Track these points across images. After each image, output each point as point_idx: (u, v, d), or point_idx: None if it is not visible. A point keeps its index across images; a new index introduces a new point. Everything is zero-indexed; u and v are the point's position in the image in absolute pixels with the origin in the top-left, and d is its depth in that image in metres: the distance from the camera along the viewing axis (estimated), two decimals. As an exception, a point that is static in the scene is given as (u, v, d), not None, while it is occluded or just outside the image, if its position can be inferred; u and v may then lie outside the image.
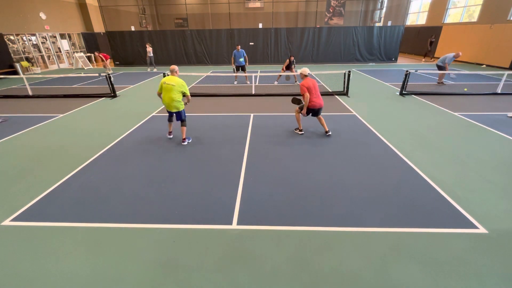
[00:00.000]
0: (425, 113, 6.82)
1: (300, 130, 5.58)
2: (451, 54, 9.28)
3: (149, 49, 14.34)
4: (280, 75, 10.99)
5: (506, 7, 13.43)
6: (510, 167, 4.13)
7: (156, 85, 10.95)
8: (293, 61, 10.53)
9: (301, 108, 5.34)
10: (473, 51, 15.35)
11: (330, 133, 5.43)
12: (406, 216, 3.10)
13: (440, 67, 9.63)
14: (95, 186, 3.78)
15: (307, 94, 5.02)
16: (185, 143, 5.14)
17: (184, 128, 5.16)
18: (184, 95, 4.94)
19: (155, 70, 15.04)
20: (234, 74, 10.86)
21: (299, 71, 5.15)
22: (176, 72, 4.93)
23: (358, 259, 2.54)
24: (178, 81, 4.80)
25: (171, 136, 5.45)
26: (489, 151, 4.69)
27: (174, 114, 5.09)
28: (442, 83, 10.20)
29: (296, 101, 5.52)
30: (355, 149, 4.84)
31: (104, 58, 14.37)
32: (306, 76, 5.19)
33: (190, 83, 11.21)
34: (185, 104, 5.07)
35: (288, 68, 10.56)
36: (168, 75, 5.46)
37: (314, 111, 5.30)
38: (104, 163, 4.47)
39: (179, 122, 5.17)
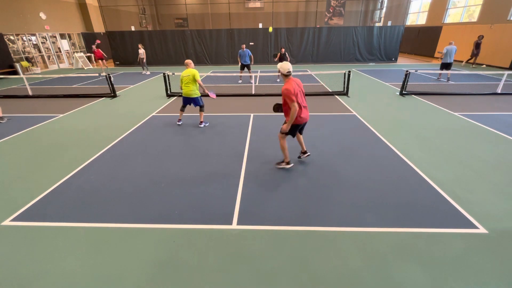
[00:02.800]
0: (425, 113, 6.82)
1: (287, 163, 4.08)
2: (451, 47, 10.04)
3: (141, 50, 13.17)
4: (279, 74, 11.18)
5: (506, 7, 13.43)
6: (510, 167, 4.13)
7: (156, 85, 10.96)
8: (285, 53, 10.67)
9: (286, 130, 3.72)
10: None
11: (309, 153, 4.34)
12: (406, 216, 3.10)
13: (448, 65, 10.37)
14: (95, 186, 3.78)
15: (295, 105, 3.43)
16: (202, 125, 5.96)
17: (202, 113, 6.00)
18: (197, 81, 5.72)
19: (148, 72, 13.93)
20: (239, 74, 11.17)
21: (278, 66, 3.56)
22: (188, 65, 5.77)
23: (358, 259, 2.54)
24: (192, 71, 5.63)
25: (180, 123, 6.17)
26: (489, 151, 4.69)
27: (192, 103, 5.85)
28: (448, 80, 10.84)
29: (278, 108, 3.98)
30: (355, 149, 4.84)
31: (95, 56, 13.32)
32: (287, 75, 3.54)
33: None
34: (204, 91, 5.81)
35: (282, 61, 10.59)
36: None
37: (299, 128, 3.90)
38: (104, 163, 4.47)
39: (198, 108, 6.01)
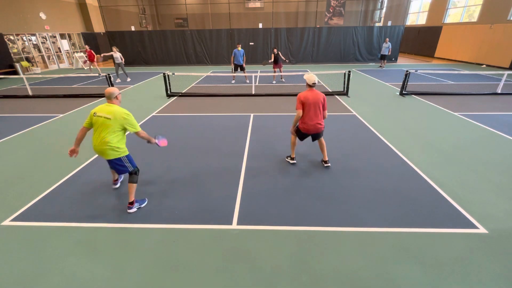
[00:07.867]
0: (425, 113, 6.82)
1: (292, 158, 4.32)
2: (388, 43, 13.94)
3: (116, 54, 11.06)
4: (275, 75, 11.13)
5: (506, 7, 13.43)
6: (510, 167, 4.13)
7: (156, 85, 10.93)
8: (278, 53, 10.55)
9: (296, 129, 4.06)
10: (473, 51, 15.35)
11: (329, 164, 4.20)
12: (406, 216, 3.10)
13: (384, 56, 14.45)
14: (95, 186, 3.78)
15: (298, 112, 3.82)
16: (133, 209, 3.21)
17: (132, 186, 3.17)
18: (133, 131, 3.02)
19: (128, 79, 11.91)
20: (232, 74, 11.13)
21: (305, 76, 3.84)
22: (115, 98, 3.02)
23: (358, 259, 2.54)
24: (116, 111, 2.93)
25: (117, 186, 3.73)
26: (489, 151, 4.69)
27: (112, 167, 3.25)
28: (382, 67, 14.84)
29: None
30: (355, 149, 4.84)
31: (88, 58, 12.80)
32: (310, 86, 3.81)
33: (190, 83, 11.21)
34: (148, 142, 3.30)
35: (276, 62, 10.60)
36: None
37: (307, 136, 4.07)
38: (104, 163, 4.45)
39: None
